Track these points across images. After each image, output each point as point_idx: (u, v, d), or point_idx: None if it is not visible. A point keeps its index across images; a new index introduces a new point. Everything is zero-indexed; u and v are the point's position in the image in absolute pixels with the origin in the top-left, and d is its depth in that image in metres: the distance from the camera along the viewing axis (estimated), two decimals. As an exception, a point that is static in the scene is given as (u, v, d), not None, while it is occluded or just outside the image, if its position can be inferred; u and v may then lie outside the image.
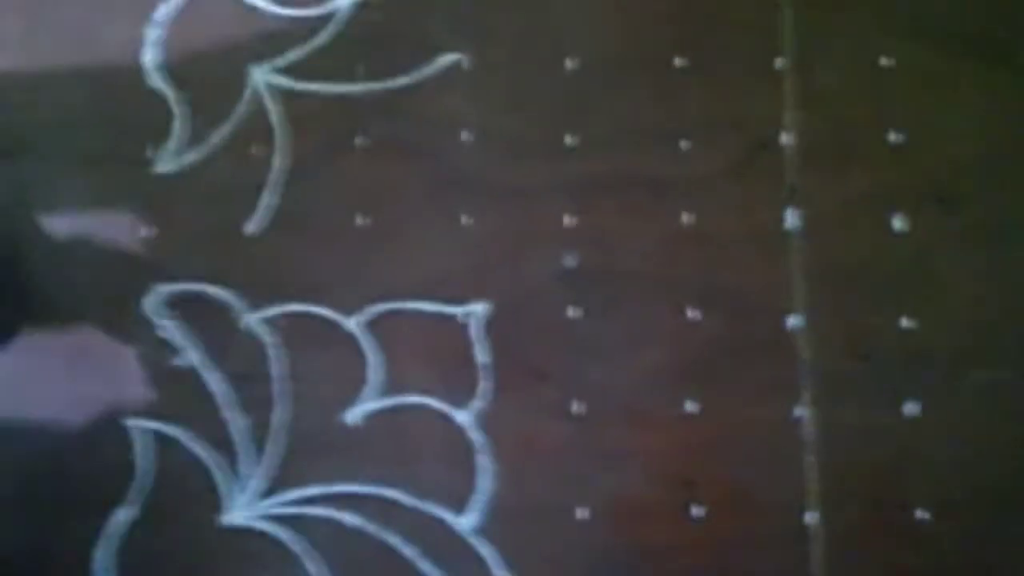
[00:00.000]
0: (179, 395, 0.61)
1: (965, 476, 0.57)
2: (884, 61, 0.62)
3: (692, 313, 0.60)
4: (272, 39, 0.65)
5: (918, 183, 0.60)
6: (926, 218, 0.60)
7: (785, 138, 0.61)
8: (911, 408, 0.58)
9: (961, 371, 0.58)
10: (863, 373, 0.58)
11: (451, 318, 0.61)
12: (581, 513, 0.58)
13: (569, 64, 0.63)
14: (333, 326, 0.61)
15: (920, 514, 0.57)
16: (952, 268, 0.59)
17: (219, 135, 0.64)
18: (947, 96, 0.61)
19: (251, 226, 0.63)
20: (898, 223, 0.60)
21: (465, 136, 0.63)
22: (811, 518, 0.57)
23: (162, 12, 0.66)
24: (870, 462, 0.58)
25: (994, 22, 0.61)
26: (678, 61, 0.63)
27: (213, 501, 0.60)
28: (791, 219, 0.60)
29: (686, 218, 0.61)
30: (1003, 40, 0.61)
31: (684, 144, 0.62)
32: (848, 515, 0.57)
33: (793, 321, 0.59)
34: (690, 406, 0.59)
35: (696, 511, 0.58)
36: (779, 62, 0.62)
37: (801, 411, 0.58)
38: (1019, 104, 0.60)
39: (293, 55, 0.65)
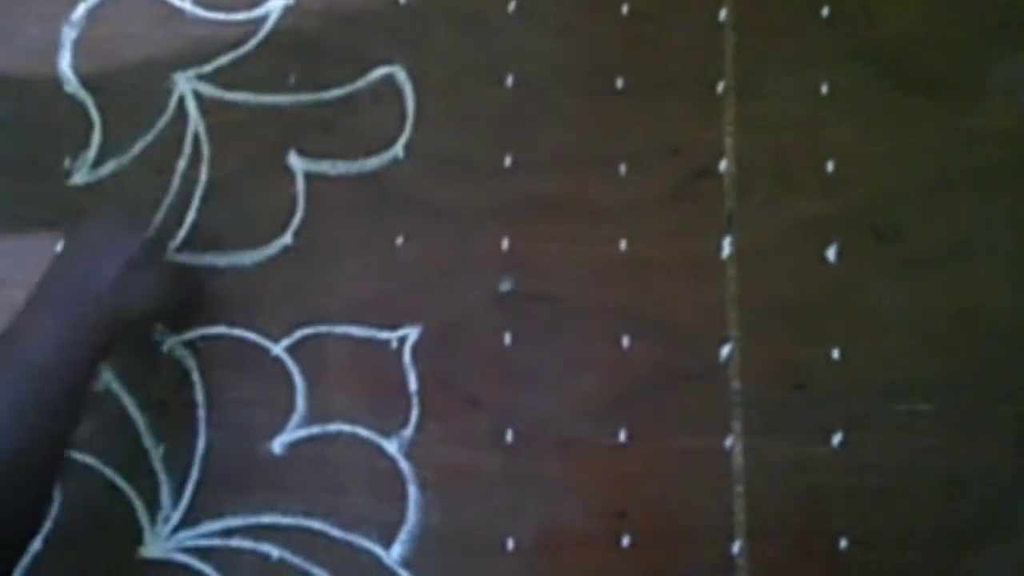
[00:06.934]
0: (96, 422, 0.59)
1: (889, 507, 0.58)
2: (825, 89, 0.61)
3: (627, 341, 0.59)
4: (198, 44, 0.62)
5: (854, 213, 0.60)
6: (860, 249, 0.60)
7: (725, 165, 0.61)
8: (839, 439, 0.58)
9: (886, 403, 0.58)
10: (794, 404, 0.59)
11: (382, 343, 0.59)
12: (512, 544, 0.58)
13: (509, 82, 0.62)
14: (259, 350, 0.59)
15: (844, 544, 0.57)
16: (882, 299, 0.59)
17: (141, 145, 0.61)
18: (885, 126, 0.61)
19: (174, 242, 0.61)
20: (832, 254, 0.60)
21: (400, 153, 0.61)
22: (737, 548, 0.58)
23: (80, 13, 0.62)
24: (798, 492, 0.58)
25: (936, 54, 0.61)
26: (620, 83, 0.62)
27: (133, 532, 0.58)
28: (728, 247, 0.60)
29: (624, 244, 0.60)
30: (944, 72, 0.61)
31: (623, 168, 0.61)
32: (774, 545, 0.58)
33: (727, 351, 0.59)
34: (623, 436, 0.58)
35: (626, 541, 0.58)
36: (721, 87, 0.61)
37: (732, 441, 0.58)
38: (954, 136, 0.60)
39: (220, 62, 0.62)
